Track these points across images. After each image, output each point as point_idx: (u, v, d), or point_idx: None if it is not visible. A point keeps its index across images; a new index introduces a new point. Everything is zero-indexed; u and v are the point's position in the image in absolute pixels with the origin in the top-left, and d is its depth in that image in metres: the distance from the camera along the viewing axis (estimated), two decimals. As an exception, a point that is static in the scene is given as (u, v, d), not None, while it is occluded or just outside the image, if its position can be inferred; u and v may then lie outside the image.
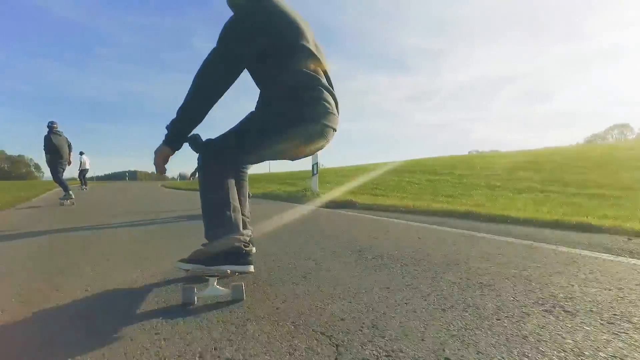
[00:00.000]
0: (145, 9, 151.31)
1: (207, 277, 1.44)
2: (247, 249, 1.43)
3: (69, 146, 7.53)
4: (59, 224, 3.89)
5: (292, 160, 1.67)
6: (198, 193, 1.47)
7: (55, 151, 7.11)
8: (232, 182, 1.48)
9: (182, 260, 1.42)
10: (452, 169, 10.98)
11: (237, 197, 1.50)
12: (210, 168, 1.44)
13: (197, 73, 1.36)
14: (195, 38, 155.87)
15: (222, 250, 1.38)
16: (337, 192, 7.17)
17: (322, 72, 1.48)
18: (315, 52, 1.46)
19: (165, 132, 1.40)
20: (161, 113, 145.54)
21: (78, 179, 14.35)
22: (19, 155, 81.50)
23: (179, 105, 1.37)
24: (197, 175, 2.01)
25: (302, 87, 1.40)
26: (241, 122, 1.48)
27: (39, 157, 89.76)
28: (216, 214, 1.41)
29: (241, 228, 1.44)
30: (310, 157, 2.25)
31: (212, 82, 1.36)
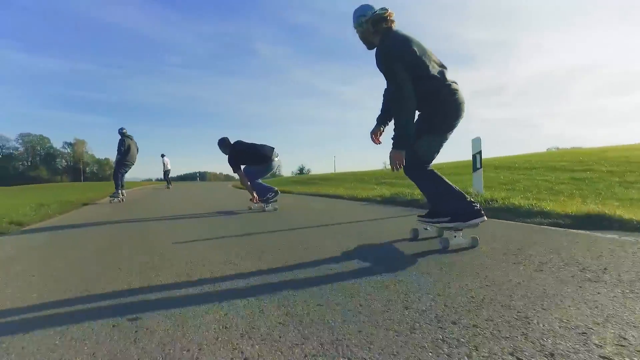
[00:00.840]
0: (210, 17, 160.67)
1: (457, 230, 2.09)
2: (478, 206, 2.08)
3: (137, 149, 8.02)
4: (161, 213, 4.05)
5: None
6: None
7: (125, 153, 7.64)
8: (433, 172, 2.17)
9: (438, 220, 2.15)
10: (575, 164, 8.79)
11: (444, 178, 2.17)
12: (418, 174, 2.20)
13: (396, 104, 2.05)
14: (258, 43, 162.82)
15: (467, 211, 2.06)
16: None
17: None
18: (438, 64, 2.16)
19: (395, 143, 2.06)
20: (226, 116, 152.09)
21: (164, 180, 15.44)
22: (105, 158, 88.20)
23: (399, 125, 2.04)
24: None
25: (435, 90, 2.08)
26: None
27: None
28: (448, 196, 2.12)
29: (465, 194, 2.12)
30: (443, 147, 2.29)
31: (408, 107, 2.03)
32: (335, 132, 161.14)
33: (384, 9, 2.11)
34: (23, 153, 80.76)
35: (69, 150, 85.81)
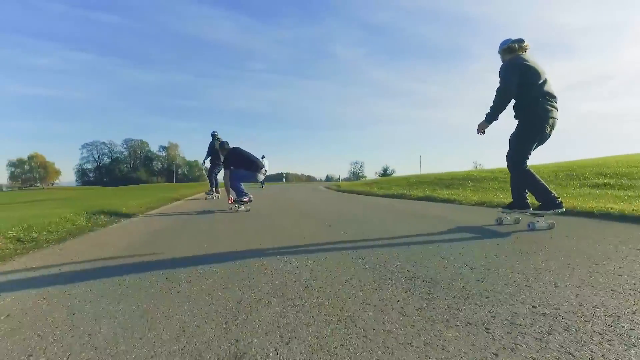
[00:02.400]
0: (288, 23, 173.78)
1: (539, 215, 3.02)
2: (559, 200, 2.98)
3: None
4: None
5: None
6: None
7: (216, 155, 8.22)
8: (528, 171, 3.09)
9: (535, 209, 3.07)
10: None
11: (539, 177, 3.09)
12: (519, 172, 3.14)
13: (497, 93, 3.05)
14: (336, 45, 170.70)
15: (553, 203, 2.96)
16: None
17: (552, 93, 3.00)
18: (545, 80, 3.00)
19: (485, 117, 3.12)
20: (308, 117, 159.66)
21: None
22: (194, 161, 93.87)
23: (492, 106, 3.08)
24: None
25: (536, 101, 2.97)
26: (514, 137, 3.15)
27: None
28: (541, 191, 3.02)
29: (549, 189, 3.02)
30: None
31: (504, 97, 3.04)
32: (416, 131, 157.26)
33: (518, 40, 3.14)
34: (127, 157, 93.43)
35: (163, 153, 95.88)
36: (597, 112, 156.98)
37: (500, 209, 3.41)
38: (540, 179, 3.06)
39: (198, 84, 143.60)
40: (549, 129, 2.99)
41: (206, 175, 9.15)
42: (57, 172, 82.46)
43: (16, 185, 75.41)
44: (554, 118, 2.99)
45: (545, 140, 3.08)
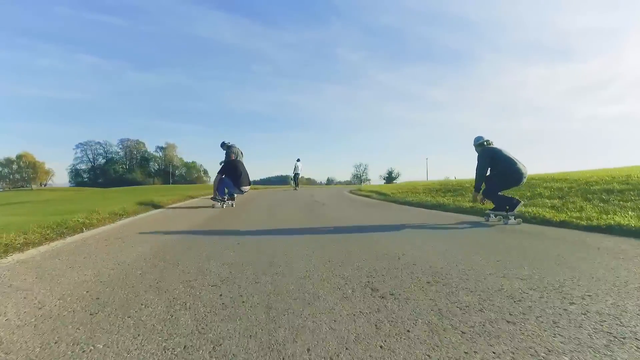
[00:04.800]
0: (293, 27, 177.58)
1: (510, 215, 4.59)
2: (516, 199, 4.75)
3: (242, 154, 9.20)
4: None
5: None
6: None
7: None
8: (498, 195, 4.92)
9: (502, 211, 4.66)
10: None
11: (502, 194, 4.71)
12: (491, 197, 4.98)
13: (476, 172, 5.03)
14: (339, 49, 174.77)
15: (514, 205, 4.62)
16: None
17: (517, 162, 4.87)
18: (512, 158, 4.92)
19: (474, 189, 5.13)
20: (310, 120, 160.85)
21: (292, 181, 18.63)
22: (192, 162, 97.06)
23: (475, 181, 5.07)
24: None
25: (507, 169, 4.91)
26: (490, 178, 4.98)
27: (207, 163, 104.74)
28: (507, 201, 4.79)
29: (512, 198, 4.58)
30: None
31: (481, 174, 5.00)
32: (422, 134, 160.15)
33: (485, 140, 5.20)
34: (123, 157, 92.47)
35: (160, 154, 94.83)
36: (599, 116, 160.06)
37: (487, 211, 5.02)
38: (504, 195, 4.90)
39: (200, 86, 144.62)
40: (517, 175, 4.85)
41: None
42: (48, 173, 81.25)
43: (3, 187, 73.62)
44: (521, 171, 4.85)
45: (518, 183, 4.93)
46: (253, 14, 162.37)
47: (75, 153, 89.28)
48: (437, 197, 9.09)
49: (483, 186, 5.00)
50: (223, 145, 8.46)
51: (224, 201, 7.33)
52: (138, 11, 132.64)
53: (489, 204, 5.14)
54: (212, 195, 7.70)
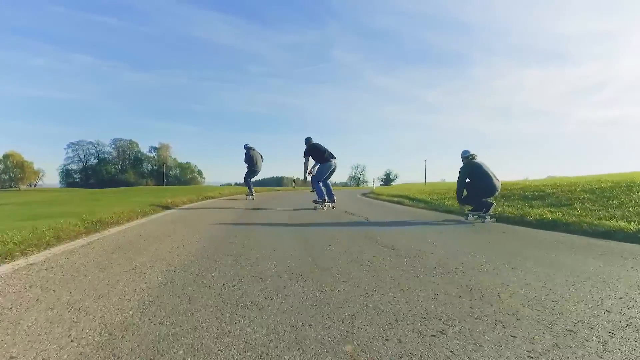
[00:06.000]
0: (289, 28, 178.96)
1: (487, 215, 5.52)
2: (490, 201, 5.64)
3: (262, 158, 9.93)
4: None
5: None
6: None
7: (251, 162, 9.68)
8: (474, 200, 5.61)
9: (475, 210, 5.48)
10: None
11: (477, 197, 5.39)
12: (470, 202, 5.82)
13: (457, 185, 5.90)
14: (334, 50, 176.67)
15: (488, 207, 5.33)
16: None
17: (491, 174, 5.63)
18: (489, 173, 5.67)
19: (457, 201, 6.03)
20: (307, 121, 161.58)
21: (294, 182, 19.01)
22: (186, 162, 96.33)
23: (456, 193, 5.96)
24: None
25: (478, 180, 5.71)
26: (471, 187, 5.79)
27: (202, 164, 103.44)
28: (482, 203, 5.43)
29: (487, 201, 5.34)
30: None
31: (460, 186, 5.83)
32: (419, 136, 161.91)
33: (470, 154, 5.82)
34: (115, 157, 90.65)
35: (154, 154, 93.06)
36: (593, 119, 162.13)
37: (466, 211, 5.83)
38: (479, 199, 5.66)
39: (196, 87, 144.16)
40: (491, 188, 5.61)
41: (243, 180, 10.20)
42: (37, 173, 79.34)
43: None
44: (496, 186, 5.59)
45: (492, 195, 5.71)
46: (249, 15, 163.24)
47: (67, 153, 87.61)
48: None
49: (465, 192, 5.80)
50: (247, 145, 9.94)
51: (324, 202, 7.44)
52: (134, 11, 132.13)
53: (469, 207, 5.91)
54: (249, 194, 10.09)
